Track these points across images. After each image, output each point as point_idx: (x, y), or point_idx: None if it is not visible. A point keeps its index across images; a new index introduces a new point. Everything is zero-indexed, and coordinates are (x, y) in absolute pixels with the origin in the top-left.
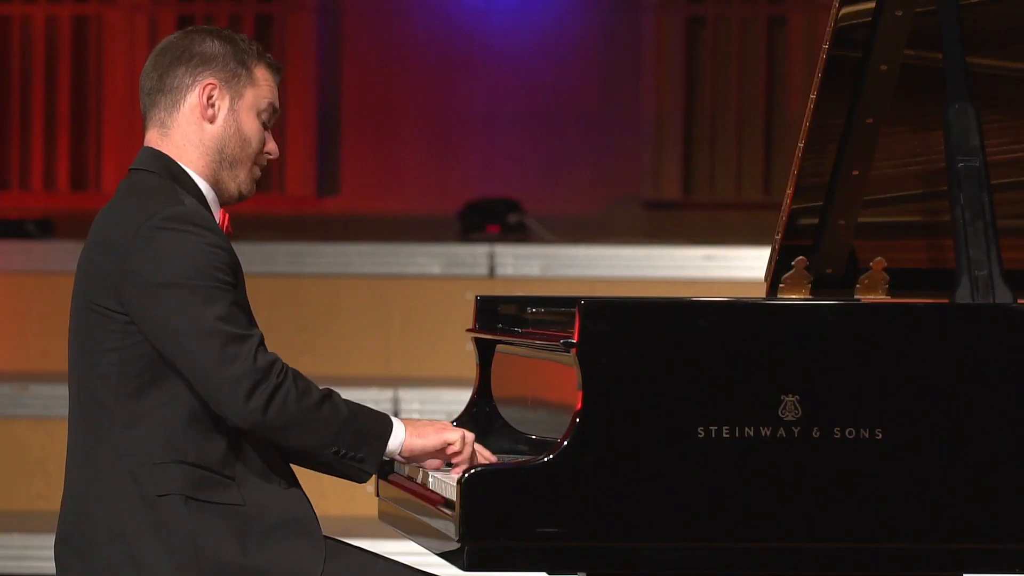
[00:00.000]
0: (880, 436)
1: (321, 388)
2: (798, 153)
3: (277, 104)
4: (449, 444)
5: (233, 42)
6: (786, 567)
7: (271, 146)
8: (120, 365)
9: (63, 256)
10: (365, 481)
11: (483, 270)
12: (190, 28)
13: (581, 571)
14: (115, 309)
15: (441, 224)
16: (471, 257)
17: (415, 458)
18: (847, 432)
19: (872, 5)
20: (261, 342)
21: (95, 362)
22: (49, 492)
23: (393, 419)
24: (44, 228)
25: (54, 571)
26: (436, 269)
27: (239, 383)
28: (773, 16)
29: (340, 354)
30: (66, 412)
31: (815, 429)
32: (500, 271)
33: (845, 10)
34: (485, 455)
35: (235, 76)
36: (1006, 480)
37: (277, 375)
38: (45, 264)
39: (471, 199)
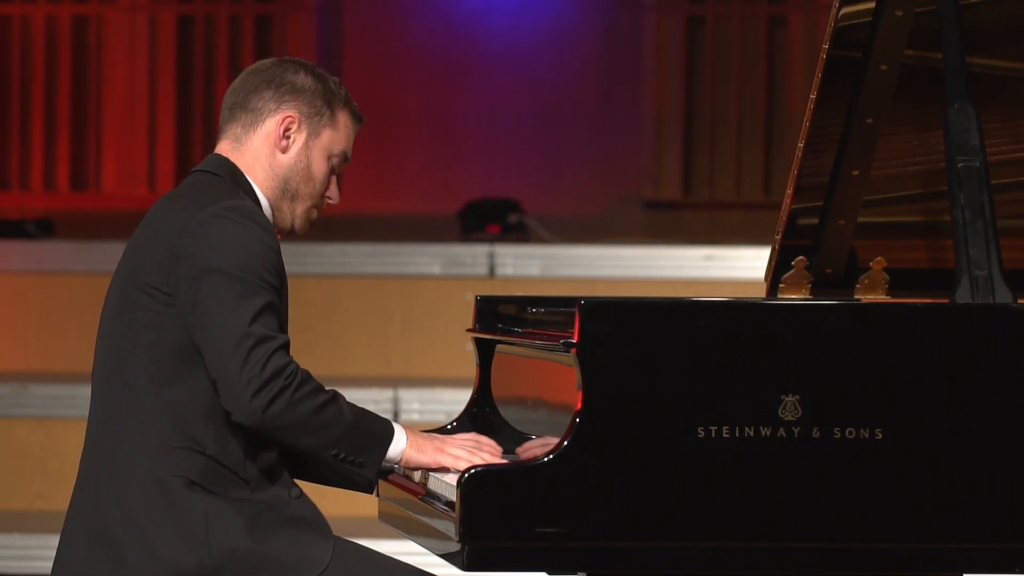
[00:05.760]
0: (880, 436)
1: (327, 390)
2: (798, 153)
3: (350, 153)
4: (442, 467)
5: (324, 81)
6: (786, 567)
7: (333, 191)
8: (154, 347)
9: (63, 256)
10: (367, 488)
11: (483, 270)
12: (286, 58)
13: (581, 571)
14: (161, 289)
15: (441, 224)
16: (471, 257)
17: (411, 468)
18: (847, 432)
19: (872, 5)
20: (283, 346)
21: (129, 342)
22: (49, 492)
23: (396, 427)
24: (44, 228)
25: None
26: (436, 269)
27: (250, 382)
28: (773, 16)
29: (340, 354)
30: (66, 412)
31: (815, 429)
32: (500, 271)
33: (845, 10)
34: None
35: (318, 114)
36: (1006, 480)
37: (286, 378)
38: (45, 264)
39: (471, 199)
